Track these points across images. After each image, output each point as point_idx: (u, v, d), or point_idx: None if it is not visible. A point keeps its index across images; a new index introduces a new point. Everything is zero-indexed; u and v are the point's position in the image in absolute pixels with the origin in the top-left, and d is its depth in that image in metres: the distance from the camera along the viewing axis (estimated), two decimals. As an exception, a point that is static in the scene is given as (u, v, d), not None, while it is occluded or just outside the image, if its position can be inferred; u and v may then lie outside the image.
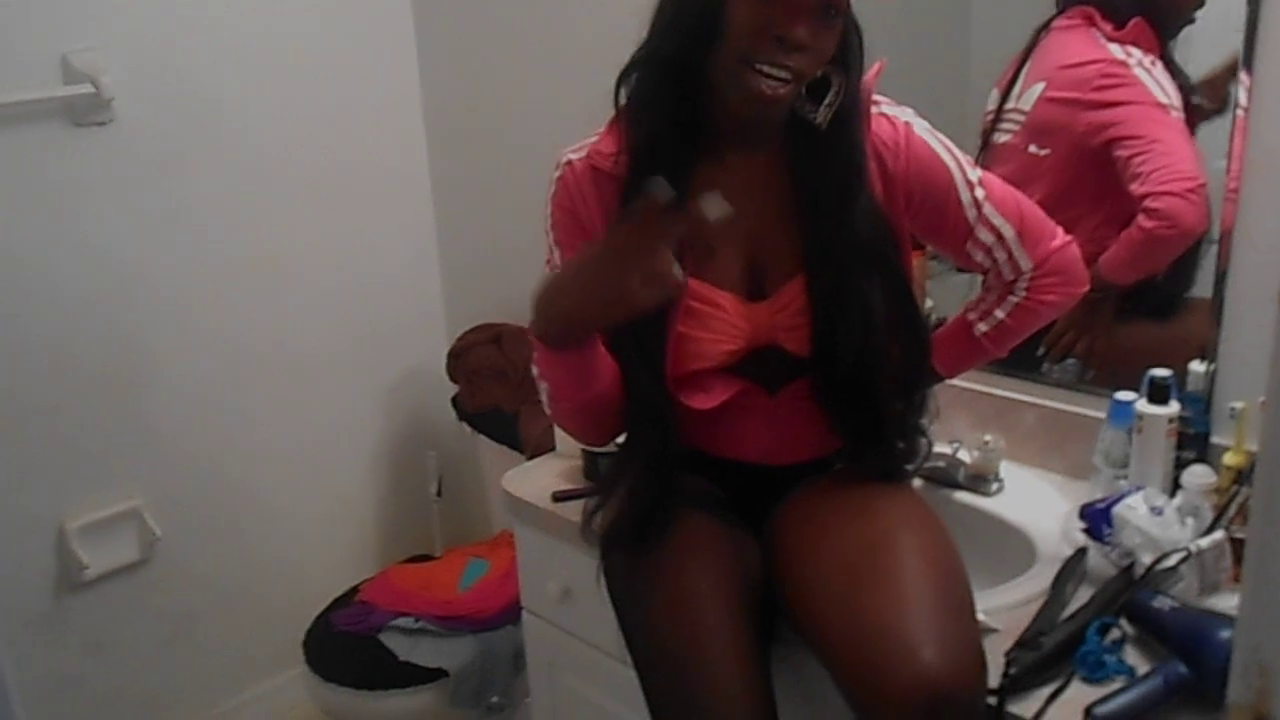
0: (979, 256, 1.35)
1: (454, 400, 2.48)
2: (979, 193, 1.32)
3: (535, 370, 1.31)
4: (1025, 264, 1.35)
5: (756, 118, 1.24)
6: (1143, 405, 1.47)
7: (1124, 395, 1.51)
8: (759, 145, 1.29)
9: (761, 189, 1.29)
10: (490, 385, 2.35)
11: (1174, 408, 1.45)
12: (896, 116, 1.30)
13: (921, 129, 1.31)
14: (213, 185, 2.29)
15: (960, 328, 1.44)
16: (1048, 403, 1.68)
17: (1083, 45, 1.57)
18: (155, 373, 2.26)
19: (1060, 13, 1.61)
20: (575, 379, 1.27)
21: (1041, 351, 1.67)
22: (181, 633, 2.40)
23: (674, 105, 1.24)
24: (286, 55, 2.35)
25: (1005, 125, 1.68)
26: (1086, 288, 1.40)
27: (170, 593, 2.36)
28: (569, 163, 1.32)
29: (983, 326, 1.41)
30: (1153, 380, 1.46)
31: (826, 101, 1.23)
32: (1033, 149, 1.65)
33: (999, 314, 1.40)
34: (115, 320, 2.19)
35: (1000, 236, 1.33)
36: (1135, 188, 1.52)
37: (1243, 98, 1.40)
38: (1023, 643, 1.24)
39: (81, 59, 2.04)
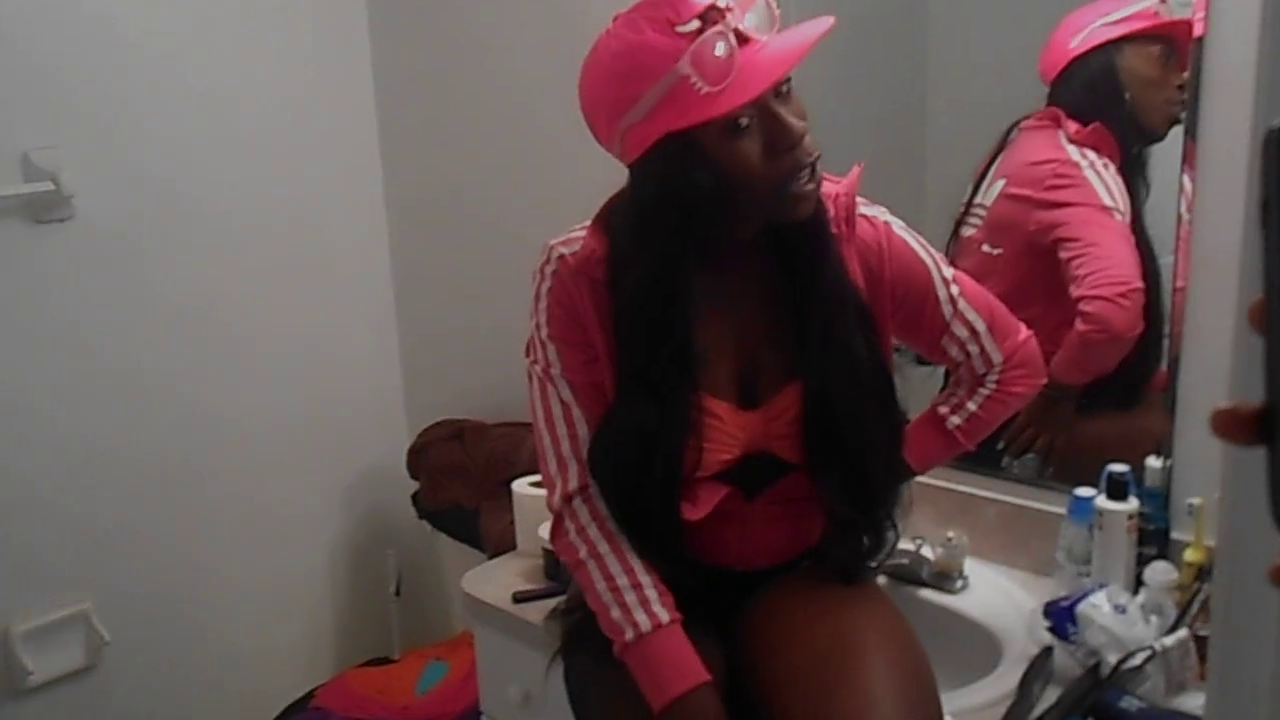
0: (953, 351, 1.36)
1: (414, 497, 2.45)
2: (954, 289, 1.34)
3: (616, 620, 1.25)
4: (997, 357, 1.37)
5: (802, 218, 1.21)
6: (1102, 501, 1.47)
7: (1083, 491, 1.52)
8: (739, 252, 1.28)
9: (752, 298, 1.29)
10: (451, 482, 2.32)
11: (1133, 504, 1.46)
12: (875, 217, 1.32)
13: (899, 228, 1.33)
14: (170, 278, 2.28)
15: (932, 422, 1.44)
16: (1009, 499, 1.69)
17: (1043, 145, 1.62)
18: (105, 473, 2.22)
19: (1034, 112, 1.64)
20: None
21: (1001, 446, 1.68)
22: (129, 741, 2.32)
23: (681, 250, 1.22)
24: (246, 148, 2.36)
25: (971, 219, 1.72)
26: (1046, 379, 1.42)
27: (119, 699, 2.28)
28: (562, 259, 1.29)
29: (955, 420, 1.41)
30: (1111, 476, 1.47)
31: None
32: (986, 248, 1.68)
33: (971, 406, 1.40)
34: (65, 418, 2.16)
35: (974, 331, 1.35)
36: (1073, 290, 1.55)
37: (1185, 202, 1.44)
38: (991, 746, 1.22)
39: (41, 156, 2.04)
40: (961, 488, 1.73)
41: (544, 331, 1.31)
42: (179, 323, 2.30)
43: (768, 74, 1.10)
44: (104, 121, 2.14)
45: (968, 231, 1.72)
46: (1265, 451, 0.39)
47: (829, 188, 1.24)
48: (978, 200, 1.70)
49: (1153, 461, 1.50)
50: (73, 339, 2.15)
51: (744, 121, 1.12)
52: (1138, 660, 1.27)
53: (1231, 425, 0.40)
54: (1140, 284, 1.52)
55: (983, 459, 1.72)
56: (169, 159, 2.25)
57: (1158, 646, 1.28)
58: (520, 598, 1.69)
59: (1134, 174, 1.56)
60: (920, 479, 1.69)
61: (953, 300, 1.33)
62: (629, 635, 1.22)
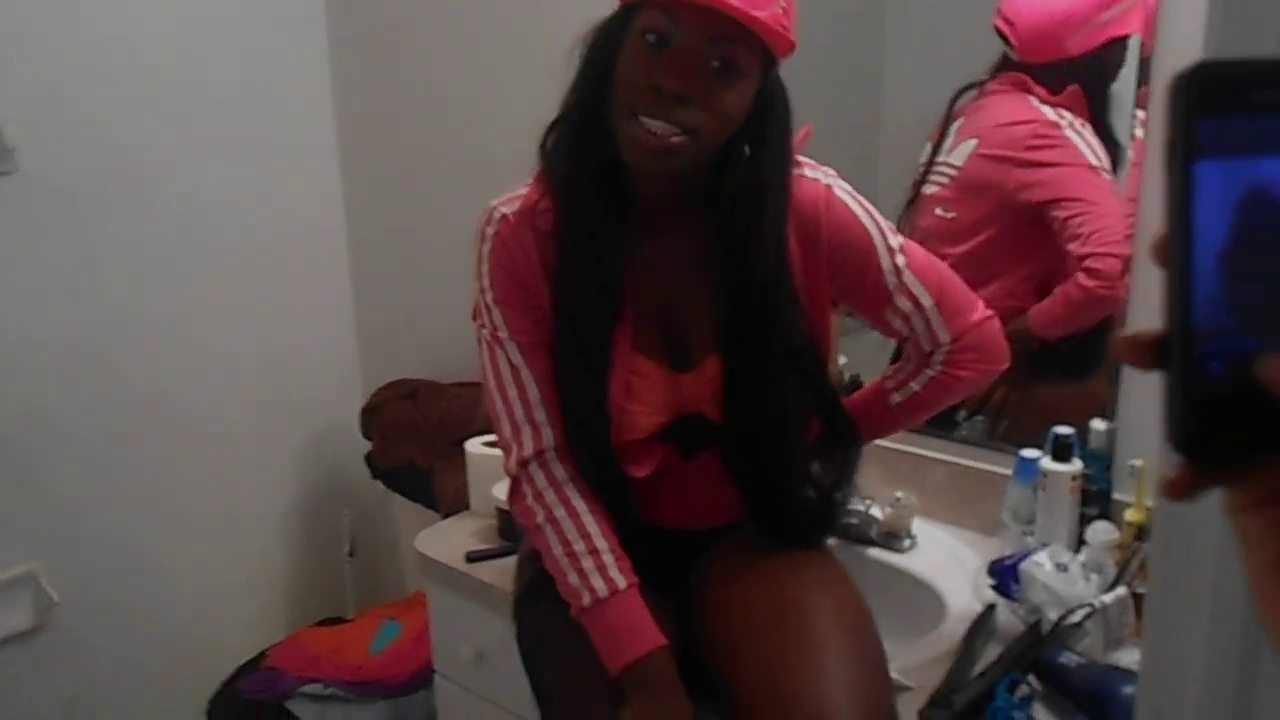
0: (897, 324, 1.32)
1: (368, 457, 2.44)
2: (899, 259, 1.29)
3: (571, 568, 1.26)
4: (944, 336, 1.32)
5: (655, 177, 1.21)
6: (1047, 463, 1.50)
7: (1029, 453, 1.54)
8: (678, 214, 1.27)
9: (684, 262, 1.28)
10: (404, 442, 2.32)
11: (1077, 465, 1.49)
12: (819, 180, 1.28)
13: (843, 192, 1.28)
14: (119, 237, 2.24)
15: (875, 396, 1.43)
16: (958, 460, 1.71)
17: (1016, 107, 1.62)
18: (53, 431, 2.19)
19: (993, 77, 1.64)
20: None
21: (961, 404, 1.70)
22: (80, 701, 2.30)
23: (593, 168, 1.22)
24: (198, 107, 2.32)
25: (935, 177, 1.72)
26: (1005, 365, 1.37)
27: (68, 661, 2.26)
28: (504, 218, 1.28)
29: (897, 397, 1.39)
30: (1056, 438, 1.49)
31: (729, 177, 1.21)
32: (940, 211, 1.69)
33: (914, 386, 1.37)
34: (11, 377, 2.12)
35: (919, 305, 1.30)
36: (1075, 248, 1.54)
37: (1133, 154, 1.46)
38: (935, 701, 1.25)
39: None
40: (911, 449, 1.75)
41: (489, 295, 1.30)
42: (127, 280, 2.26)
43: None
44: (50, 76, 2.08)
45: (930, 189, 1.72)
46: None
47: None
48: (941, 160, 1.70)
49: (1097, 424, 1.53)
50: (13, 296, 2.10)
51: (652, 38, 1.12)
52: (1077, 617, 1.30)
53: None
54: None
55: (935, 420, 1.74)
56: (118, 116, 2.20)
57: (1097, 604, 1.31)
58: (473, 557, 1.69)
59: (1104, 137, 1.57)
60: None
61: (897, 270, 1.28)
62: (586, 600, 1.23)
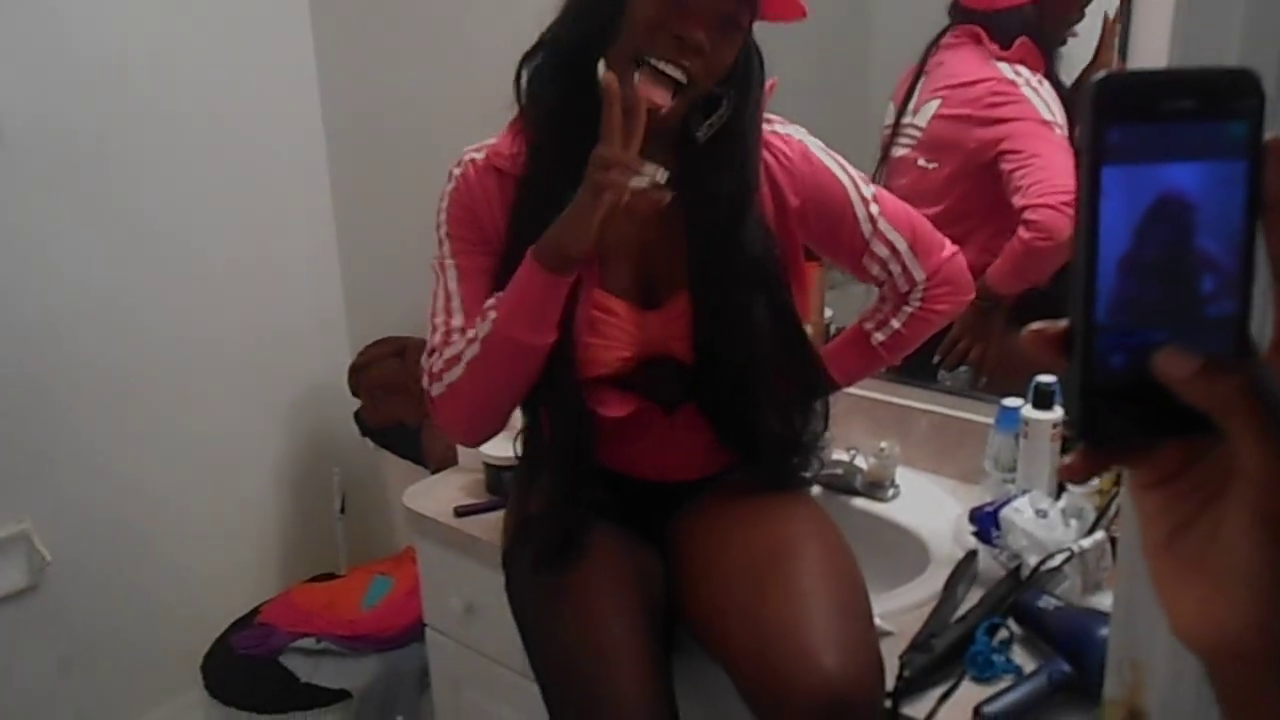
0: (875, 269, 1.38)
1: (356, 415, 2.45)
2: (873, 208, 1.34)
3: (470, 338, 1.25)
4: (919, 275, 1.38)
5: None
6: (1028, 411, 1.51)
7: (1011, 401, 1.56)
8: (653, 156, 1.27)
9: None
10: (392, 400, 2.33)
11: (1058, 413, 1.50)
12: (790, 135, 1.32)
13: (815, 147, 1.33)
14: (104, 195, 2.23)
15: (856, 337, 1.47)
16: (941, 409, 1.73)
17: (973, 64, 1.63)
18: (42, 392, 2.19)
19: (947, 30, 1.65)
20: (539, 318, 1.23)
21: (937, 359, 1.71)
22: (74, 660, 2.32)
23: (570, 102, 1.23)
24: (180, 63, 2.30)
25: (902, 139, 1.73)
26: (973, 295, 1.44)
27: (61, 618, 2.28)
28: (471, 161, 1.33)
29: (879, 336, 1.44)
30: (1038, 386, 1.51)
31: (710, 121, 1.25)
32: (922, 163, 1.70)
33: (894, 324, 1.43)
34: (3, 339, 2.12)
35: (894, 250, 1.36)
36: (1016, 200, 1.57)
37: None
38: (916, 645, 1.27)
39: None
40: (895, 399, 1.76)
41: (443, 230, 1.34)
42: (114, 240, 2.26)
43: None
44: (31, 39, 2.07)
45: (900, 152, 1.73)
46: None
47: None
48: (907, 121, 1.71)
49: (1078, 371, 1.54)
50: (6, 257, 2.10)
51: None
52: (1056, 562, 1.32)
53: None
54: None
55: (917, 371, 1.75)
56: (101, 76, 2.19)
57: (1075, 549, 1.32)
58: (461, 512, 1.71)
59: (1059, 88, 1.58)
60: (854, 391, 1.73)
61: (872, 219, 1.34)
62: (485, 331, 1.23)
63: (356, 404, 2.45)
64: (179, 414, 2.43)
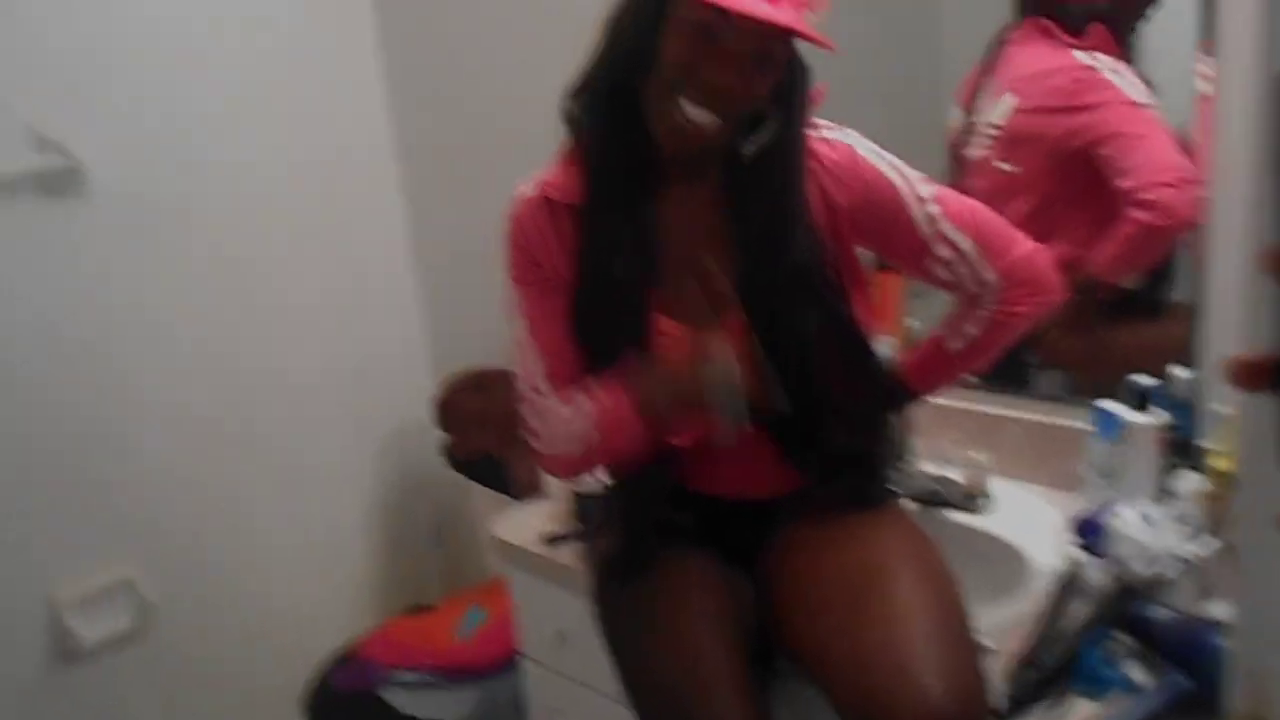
0: (940, 272, 1.32)
1: (443, 448, 2.47)
2: (932, 208, 1.29)
3: (583, 427, 1.30)
4: (988, 276, 1.31)
5: (680, 151, 1.24)
6: (1127, 414, 1.46)
7: (1108, 405, 1.50)
8: (700, 176, 1.29)
9: (704, 221, 1.29)
10: (478, 432, 2.34)
11: (1159, 415, 1.45)
12: (838, 140, 1.29)
13: (865, 149, 1.30)
14: (189, 243, 2.29)
15: (933, 346, 1.42)
16: (1033, 416, 1.68)
17: (1046, 55, 1.58)
18: (143, 441, 2.25)
19: (1014, 25, 1.62)
20: (637, 437, 1.29)
21: (1031, 358, 1.66)
22: (179, 701, 2.37)
23: (618, 132, 1.25)
24: (255, 108, 2.36)
25: (977, 140, 1.69)
26: (1060, 296, 1.36)
27: (166, 661, 2.33)
28: (522, 199, 1.34)
29: (955, 344, 1.37)
30: (1136, 388, 1.46)
31: (752, 137, 1.24)
32: (1002, 165, 1.65)
33: (970, 329, 1.35)
34: (101, 388, 2.18)
35: (959, 251, 1.29)
36: (1123, 183, 1.51)
37: (1203, 86, 1.39)
38: (1021, 661, 1.23)
39: (53, 131, 2.04)
40: (984, 408, 1.72)
41: (510, 274, 1.36)
42: (201, 285, 2.31)
43: (749, 6, 1.11)
44: (114, 93, 2.13)
45: (976, 153, 1.69)
46: (1277, 402, 0.39)
47: None
48: (980, 120, 1.67)
49: (1179, 371, 1.49)
50: (98, 307, 2.16)
51: (709, 27, 1.14)
52: (1166, 571, 1.27)
53: (1245, 375, 0.41)
54: (1195, 173, 1.45)
55: (1005, 378, 1.71)
56: (180, 125, 2.24)
57: (1186, 556, 1.27)
58: (551, 540, 1.71)
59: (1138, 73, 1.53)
60: (941, 401, 1.70)
61: (931, 220, 1.28)
62: (583, 423, 1.28)
63: (443, 437, 2.47)
64: (270, 454, 2.47)
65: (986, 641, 1.26)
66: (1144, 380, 1.46)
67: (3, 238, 2.03)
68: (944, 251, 1.29)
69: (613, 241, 1.24)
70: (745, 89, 1.17)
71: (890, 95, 1.77)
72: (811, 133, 1.27)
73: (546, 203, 1.31)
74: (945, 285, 1.35)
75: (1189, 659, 1.14)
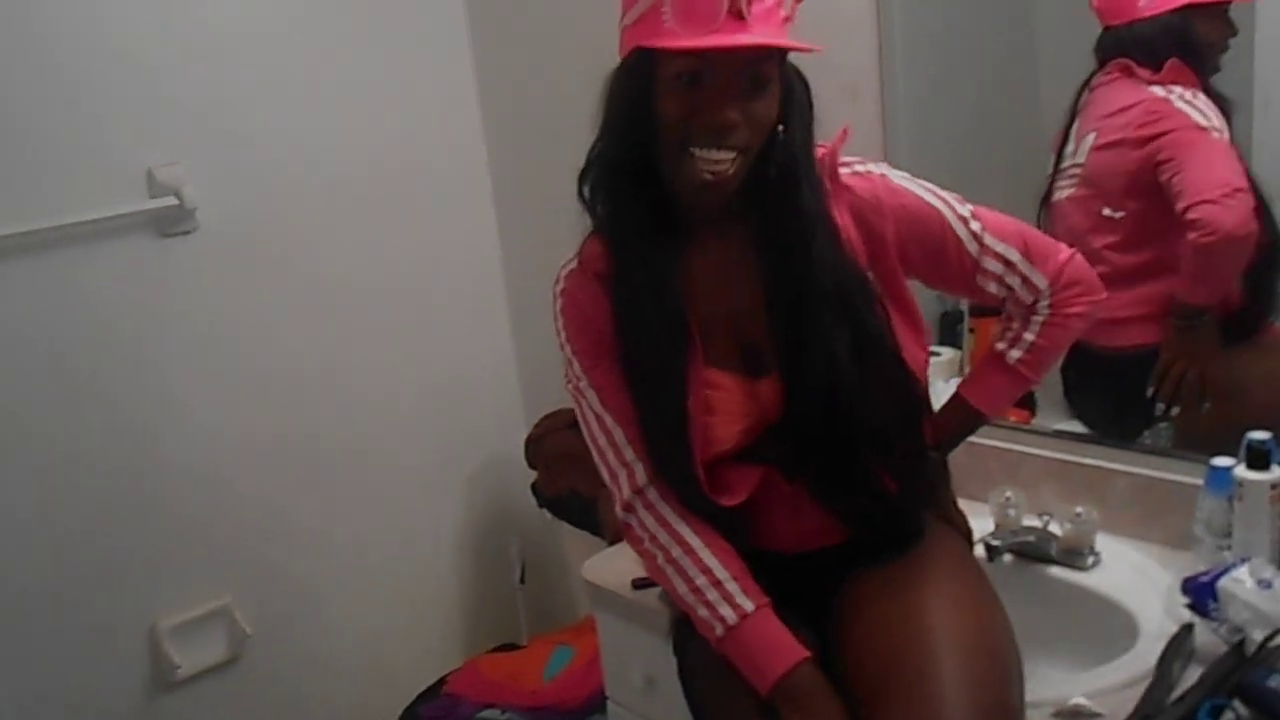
0: (992, 287, 1.33)
1: (533, 486, 2.48)
2: (975, 225, 1.30)
3: (707, 614, 1.25)
4: (1041, 282, 1.33)
5: (708, 202, 1.23)
6: (1242, 471, 1.40)
7: (1222, 461, 1.45)
8: (729, 225, 1.28)
9: (740, 269, 1.28)
10: (568, 470, 2.35)
11: (1276, 473, 1.39)
12: (870, 171, 1.30)
13: (897, 177, 1.30)
14: (292, 287, 2.35)
15: (993, 362, 1.40)
16: (1141, 470, 1.62)
17: (1126, 93, 1.59)
18: (240, 474, 2.30)
19: (1099, 69, 1.62)
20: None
21: (1151, 391, 1.62)
22: (271, 729, 2.41)
23: (632, 203, 1.26)
24: (360, 163, 2.41)
25: (1063, 181, 1.69)
26: (1105, 294, 1.37)
27: (261, 690, 2.38)
28: (569, 274, 1.35)
29: (1016, 353, 1.37)
30: (1250, 444, 1.40)
31: (776, 160, 1.23)
32: (1090, 204, 1.64)
33: (1029, 336, 1.36)
34: (202, 422, 2.25)
35: (1008, 262, 1.32)
36: (1178, 205, 1.51)
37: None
38: (1129, 729, 1.18)
39: (165, 173, 2.12)
40: (1089, 460, 1.67)
41: (568, 349, 1.35)
42: (302, 324, 2.37)
43: (718, 40, 1.11)
44: (220, 134, 2.21)
45: (1062, 194, 1.68)
46: None
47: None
48: (1066, 164, 1.67)
49: (1297, 426, 1.43)
50: (203, 344, 2.23)
51: (686, 79, 1.15)
52: (1285, 637, 1.21)
53: None
54: (1244, 184, 1.47)
55: (1111, 430, 1.67)
56: (284, 165, 2.31)
57: (1306, 622, 1.21)
58: (639, 584, 1.69)
59: (1219, 99, 1.51)
60: (1043, 453, 1.66)
61: (976, 236, 1.30)
62: (719, 631, 1.23)
63: (533, 475, 2.48)
64: (364, 491, 2.51)
65: (1093, 706, 1.22)
66: (1259, 436, 1.40)
67: (114, 274, 2.11)
68: (994, 265, 1.32)
69: (641, 308, 1.24)
70: (750, 117, 1.16)
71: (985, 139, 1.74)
72: (843, 169, 1.27)
73: (593, 274, 1.31)
74: (998, 300, 1.36)
75: (1311, 733, 1.09)
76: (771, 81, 1.18)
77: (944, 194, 1.31)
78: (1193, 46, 1.52)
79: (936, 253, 1.30)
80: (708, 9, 1.11)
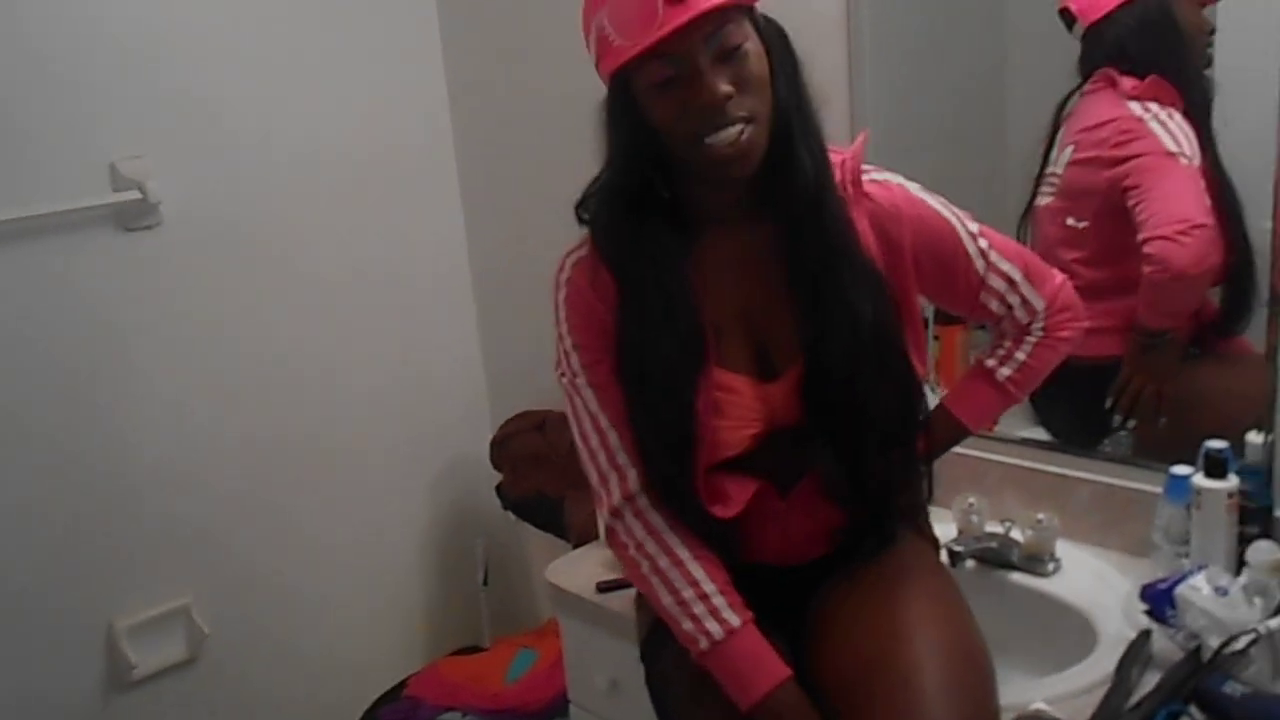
0: (994, 305, 1.35)
1: (498, 488, 2.47)
2: (982, 243, 1.32)
3: (693, 628, 1.23)
4: (1039, 304, 1.36)
5: (736, 177, 1.19)
6: (1200, 479, 1.42)
7: (1180, 469, 1.47)
8: (738, 219, 1.26)
9: (755, 267, 1.26)
10: (534, 472, 2.34)
11: (1232, 481, 1.41)
12: (888, 180, 1.29)
13: (915, 190, 1.31)
14: (257, 283, 2.33)
15: (981, 377, 1.41)
16: (1102, 478, 1.64)
17: (1104, 106, 1.60)
18: (202, 472, 2.28)
19: (1086, 78, 1.63)
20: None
21: (1109, 403, 1.65)
22: (228, 730, 2.38)
23: (641, 208, 1.23)
24: (328, 159, 2.40)
25: (1044, 189, 1.70)
26: (1088, 321, 1.41)
27: (219, 690, 2.35)
28: (576, 262, 1.30)
29: (1006, 371, 1.39)
30: (1208, 453, 1.42)
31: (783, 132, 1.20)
32: (1071, 221, 1.65)
33: (1020, 356, 1.38)
34: (164, 419, 2.22)
35: (1011, 281, 1.34)
36: (1139, 236, 1.54)
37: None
38: (1087, 734, 1.19)
39: (128, 166, 2.09)
40: (1051, 467, 1.68)
41: (567, 341, 1.31)
42: (266, 321, 2.35)
43: (662, 31, 1.09)
44: (186, 129, 2.19)
45: (1043, 200, 1.70)
46: None
47: (835, 156, 1.24)
48: (1049, 170, 1.69)
49: (1253, 436, 1.45)
50: (165, 340, 2.21)
51: (665, 77, 1.13)
52: (1241, 644, 1.23)
53: None
54: (1204, 220, 1.49)
55: (1074, 438, 1.69)
56: (250, 161, 2.29)
57: (1262, 629, 1.23)
58: (603, 587, 1.69)
59: (1201, 119, 1.52)
60: (1007, 459, 1.68)
61: (983, 254, 1.32)
62: (703, 645, 1.21)
63: (498, 477, 2.47)
64: (328, 493, 2.49)
65: (1051, 711, 1.23)
66: (1217, 445, 1.42)
67: (75, 268, 2.08)
68: (998, 283, 1.34)
69: (650, 310, 1.22)
70: (739, 83, 1.13)
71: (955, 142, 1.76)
72: (864, 176, 1.27)
73: (599, 263, 1.28)
74: (995, 317, 1.38)
75: (1265, 738, 1.10)
76: (744, 42, 1.14)
77: (955, 209, 1.32)
78: (1175, 31, 1.53)
79: (947, 266, 1.31)
80: (641, 11, 1.11)
